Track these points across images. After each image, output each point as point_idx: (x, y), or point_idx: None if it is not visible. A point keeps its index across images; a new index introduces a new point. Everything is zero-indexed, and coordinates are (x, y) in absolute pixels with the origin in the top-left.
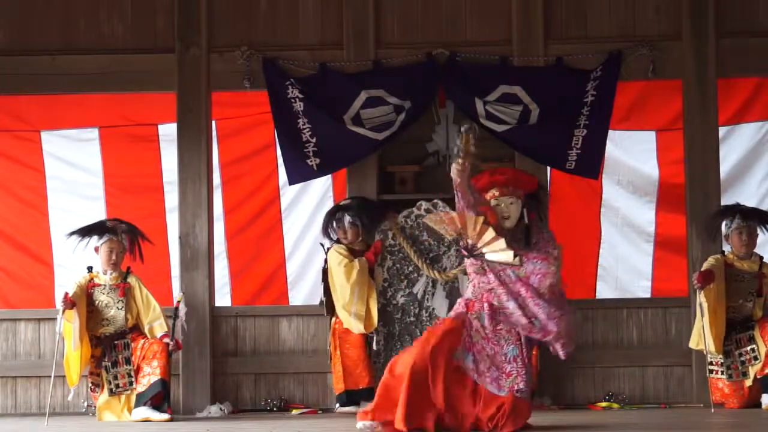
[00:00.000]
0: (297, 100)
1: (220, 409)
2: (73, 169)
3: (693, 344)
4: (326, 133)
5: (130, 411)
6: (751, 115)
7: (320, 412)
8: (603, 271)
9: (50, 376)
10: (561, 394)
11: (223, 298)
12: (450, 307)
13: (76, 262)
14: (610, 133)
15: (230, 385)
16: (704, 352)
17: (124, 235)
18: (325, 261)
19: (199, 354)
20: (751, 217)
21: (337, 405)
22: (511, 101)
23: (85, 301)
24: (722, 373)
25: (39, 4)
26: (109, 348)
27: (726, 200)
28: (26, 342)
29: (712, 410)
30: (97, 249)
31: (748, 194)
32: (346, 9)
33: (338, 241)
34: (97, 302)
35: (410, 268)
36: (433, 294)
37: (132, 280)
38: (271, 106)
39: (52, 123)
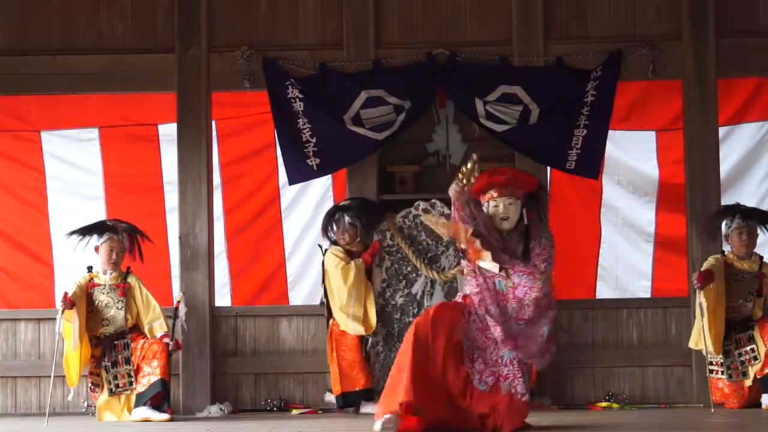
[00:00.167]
0: (297, 100)
1: (220, 409)
2: (73, 169)
3: (692, 344)
4: (326, 133)
5: (130, 411)
6: (751, 115)
7: (320, 412)
8: (603, 271)
9: (50, 376)
10: (561, 394)
11: (223, 298)
12: None
13: (76, 262)
14: (610, 133)
15: (230, 385)
16: (703, 352)
17: (124, 234)
18: (323, 263)
19: (199, 354)
20: (751, 217)
21: (328, 393)
22: (511, 101)
23: (84, 301)
24: (722, 373)
25: (39, 4)
26: (108, 348)
27: (726, 200)
28: (26, 342)
29: (712, 410)
30: (97, 249)
31: (748, 194)
32: (346, 9)
33: (336, 243)
34: (96, 302)
35: (409, 269)
36: (431, 294)
37: (132, 280)
38: (271, 106)
39: (52, 123)
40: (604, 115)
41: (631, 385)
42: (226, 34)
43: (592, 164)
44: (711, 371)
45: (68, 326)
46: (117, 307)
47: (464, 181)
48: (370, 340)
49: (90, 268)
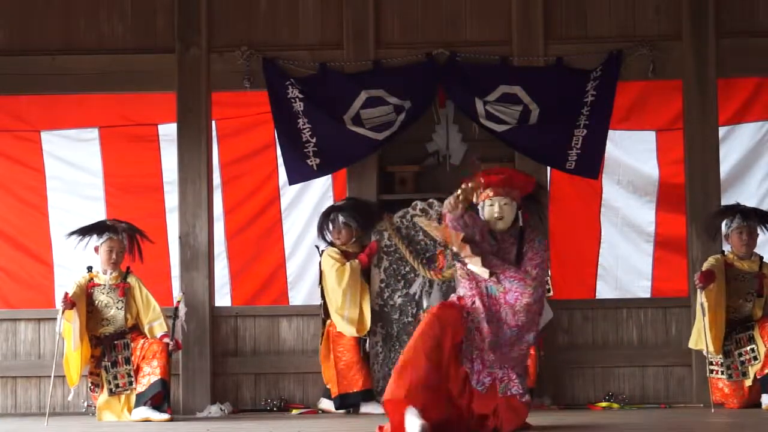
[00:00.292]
0: (297, 100)
1: (220, 409)
2: (73, 169)
3: (692, 344)
4: (326, 133)
5: (130, 411)
6: (751, 115)
7: (320, 412)
8: (603, 271)
9: (50, 376)
10: (561, 394)
11: (223, 298)
12: None
13: (76, 262)
14: (610, 133)
15: (230, 385)
16: (704, 352)
17: (123, 234)
18: (320, 264)
19: (199, 354)
20: (751, 217)
21: (323, 399)
22: (511, 101)
23: (84, 301)
24: (722, 373)
25: (39, 4)
26: (108, 348)
27: (726, 200)
28: (26, 342)
29: (712, 410)
30: (96, 249)
31: (748, 194)
32: (346, 9)
33: (332, 244)
34: (96, 302)
35: (407, 269)
36: (429, 294)
37: (132, 280)
38: (271, 106)
39: (52, 123)
40: (604, 115)
41: (631, 385)
42: (226, 34)
43: (592, 164)
44: (711, 371)
45: (68, 326)
46: (117, 307)
47: (461, 198)
48: (368, 340)
49: (90, 268)
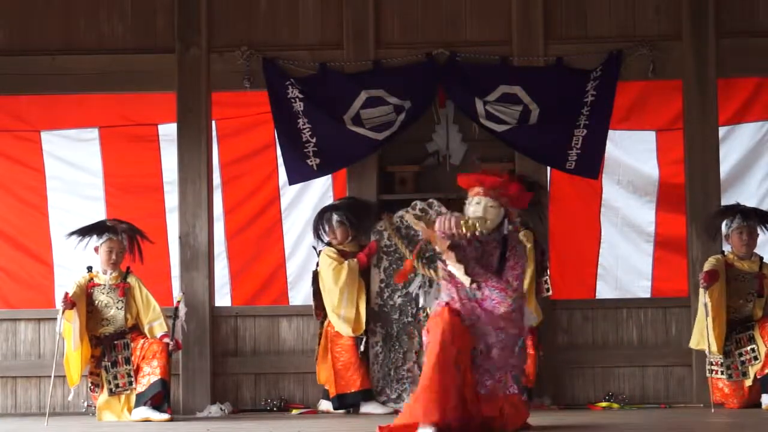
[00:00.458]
0: (297, 100)
1: (220, 409)
2: (73, 169)
3: (694, 344)
4: (326, 133)
5: (130, 411)
6: (751, 115)
7: (320, 412)
8: (603, 271)
9: (50, 376)
10: (561, 394)
11: (223, 298)
12: None
13: (76, 262)
14: (610, 133)
15: (230, 385)
16: (706, 352)
17: (123, 235)
18: (317, 264)
19: (199, 354)
20: (752, 217)
21: (322, 401)
22: (511, 101)
23: (84, 301)
24: (722, 373)
25: (39, 4)
26: (108, 348)
27: (726, 200)
28: (26, 342)
29: (712, 410)
30: (96, 249)
31: (748, 194)
32: (346, 9)
33: (329, 244)
34: (96, 302)
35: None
36: (429, 293)
37: (132, 280)
38: (271, 106)
39: (52, 123)
40: (604, 115)
41: (631, 385)
42: (226, 34)
43: (592, 164)
44: (711, 371)
45: (68, 326)
46: (117, 307)
47: (464, 227)
48: (364, 340)
49: (90, 268)
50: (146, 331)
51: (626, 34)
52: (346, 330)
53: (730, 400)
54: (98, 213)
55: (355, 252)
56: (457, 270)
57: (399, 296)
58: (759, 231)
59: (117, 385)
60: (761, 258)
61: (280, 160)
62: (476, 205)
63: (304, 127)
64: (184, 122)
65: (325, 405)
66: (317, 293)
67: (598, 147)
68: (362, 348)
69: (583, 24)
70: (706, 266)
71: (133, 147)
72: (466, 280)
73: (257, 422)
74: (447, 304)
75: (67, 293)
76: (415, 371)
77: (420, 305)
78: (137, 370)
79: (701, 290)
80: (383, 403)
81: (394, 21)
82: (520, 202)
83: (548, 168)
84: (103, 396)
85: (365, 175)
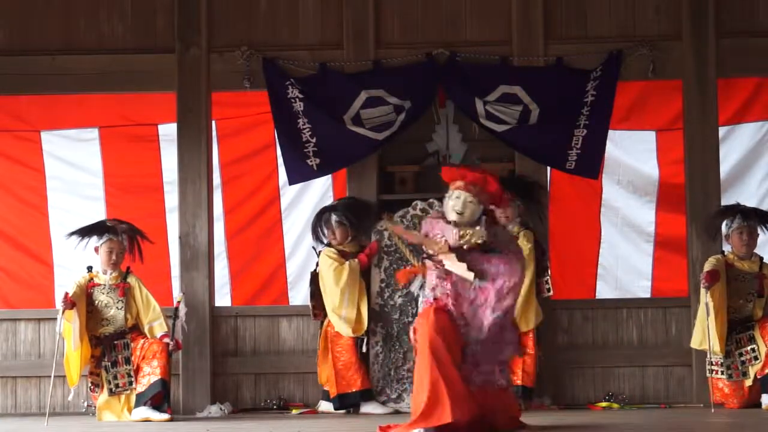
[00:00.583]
0: (297, 100)
1: (220, 409)
2: (73, 169)
3: (695, 344)
4: (326, 133)
5: (130, 411)
6: (751, 115)
7: (320, 412)
8: (603, 271)
9: (50, 376)
10: (561, 394)
11: (223, 298)
12: None
13: (76, 262)
14: (610, 133)
15: (230, 385)
16: (709, 352)
17: (124, 235)
18: (317, 264)
19: (199, 354)
20: (752, 217)
21: (322, 402)
22: (511, 101)
23: (84, 301)
24: (722, 373)
25: (39, 4)
26: (108, 348)
27: (726, 200)
28: (26, 342)
29: (712, 410)
30: (97, 249)
31: (748, 194)
32: (346, 9)
33: (329, 245)
34: (96, 302)
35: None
36: None
37: (132, 280)
38: (271, 106)
39: (52, 123)
40: (604, 115)
41: (631, 385)
42: (226, 34)
43: (592, 164)
44: (711, 371)
45: (68, 326)
46: (117, 307)
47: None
48: (365, 340)
49: (90, 268)
50: (146, 331)
51: (626, 34)
52: (346, 331)
53: (730, 400)
54: (98, 213)
55: (356, 252)
56: (459, 269)
57: (399, 296)
58: (759, 231)
59: (117, 385)
60: (761, 258)
61: (280, 160)
62: (456, 200)
63: (304, 127)
64: (184, 122)
65: (324, 406)
66: (315, 294)
67: (598, 147)
68: (363, 348)
69: (583, 24)
70: (707, 266)
71: (133, 147)
72: (469, 276)
73: (257, 422)
74: (435, 300)
75: (67, 293)
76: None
77: (421, 299)
78: (137, 370)
79: (702, 290)
80: (383, 403)
81: (394, 21)
82: (500, 200)
83: (548, 168)
84: (103, 396)
85: (365, 175)
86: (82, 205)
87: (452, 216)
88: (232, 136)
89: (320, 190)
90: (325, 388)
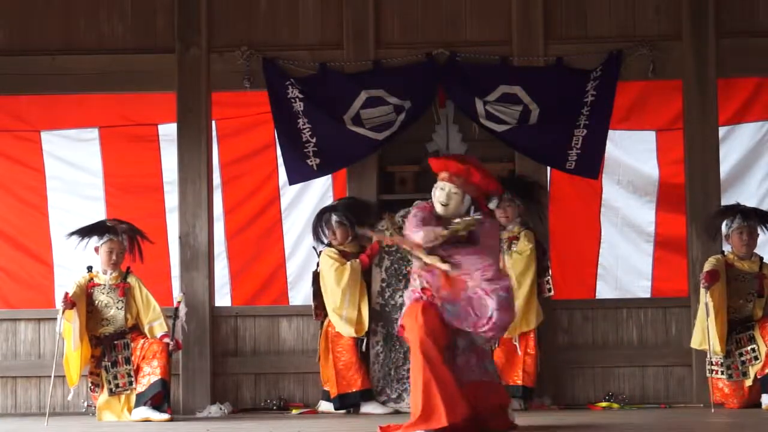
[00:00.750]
0: (297, 100)
1: (220, 409)
2: (73, 169)
3: (695, 344)
4: (326, 133)
5: (130, 411)
6: (751, 115)
7: (320, 412)
8: (603, 271)
9: (50, 376)
10: (561, 394)
11: (223, 298)
12: None
13: (76, 262)
14: (610, 133)
15: (230, 385)
16: (709, 352)
17: (124, 235)
18: (317, 264)
19: (199, 354)
20: (752, 217)
21: (322, 402)
22: (511, 101)
23: (84, 301)
24: (722, 373)
25: (39, 4)
26: (108, 348)
27: (726, 200)
28: (26, 342)
29: (712, 410)
30: (97, 249)
31: (748, 194)
32: (346, 9)
33: (330, 245)
34: (96, 302)
35: (408, 268)
36: None
37: (132, 280)
38: (271, 106)
39: (52, 123)
40: (604, 115)
41: (631, 385)
42: (226, 34)
43: (592, 164)
44: (711, 371)
45: (68, 326)
46: (117, 307)
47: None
48: (365, 340)
49: (90, 268)
50: (146, 331)
51: (626, 34)
52: (347, 331)
53: (730, 400)
54: (98, 213)
55: (356, 252)
56: (433, 260)
57: (400, 296)
58: (759, 231)
59: (117, 385)
60: (761, 258)
61: (280, 160)
62: (440, 191)
63: (304, 127)
64: (184, 122)
65: (324, 406)
66: (317, 294)
67: (598, 147)
68: (363, 348)
69: (583, 24)
70: (707, 266)
71: (133, 147)
72: (445, 266)
73: (257, 422)
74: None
75: (67, 293)
76: None
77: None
78: (137, 370)
79: (702, 290)
80: (383, 403)
81: (394, 21)
82: (489, 186)
83: (548, 168)
84: (103, 396)
85: (365, 175)
86: (82, 205)
87: (438, 207)
88: (232, 136)
89: (320, 190)
90: (325, 388)
